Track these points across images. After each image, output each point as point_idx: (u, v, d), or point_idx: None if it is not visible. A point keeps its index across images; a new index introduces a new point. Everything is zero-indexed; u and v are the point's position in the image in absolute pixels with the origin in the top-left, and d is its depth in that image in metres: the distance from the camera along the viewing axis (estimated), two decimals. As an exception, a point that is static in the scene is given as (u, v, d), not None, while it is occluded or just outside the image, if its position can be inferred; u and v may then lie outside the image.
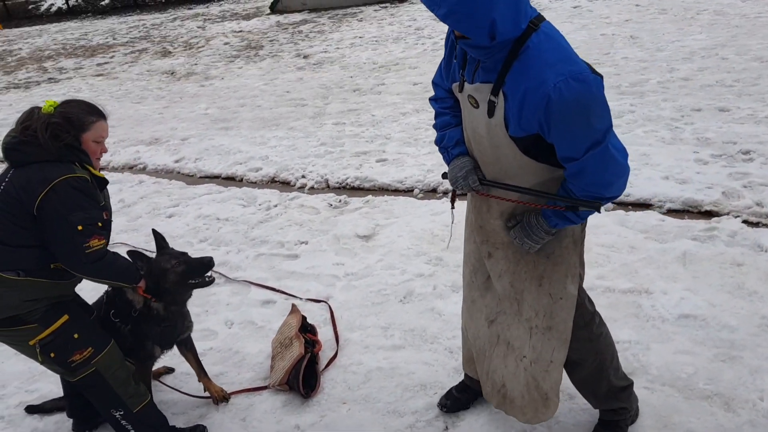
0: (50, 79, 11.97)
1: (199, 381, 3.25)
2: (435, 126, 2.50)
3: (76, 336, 2.64)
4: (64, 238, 2.47)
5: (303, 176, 5.91)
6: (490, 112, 2.07)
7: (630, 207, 4.60)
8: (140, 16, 18.23)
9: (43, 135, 2.48)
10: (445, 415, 2.93)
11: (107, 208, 2.67)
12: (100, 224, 2.53)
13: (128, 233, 5.24)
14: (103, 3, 20.65)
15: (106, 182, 2.70)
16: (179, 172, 6.52)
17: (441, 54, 9.84)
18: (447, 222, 4.62)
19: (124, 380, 2.77)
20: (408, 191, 5.38)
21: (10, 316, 2.51)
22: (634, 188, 4.75)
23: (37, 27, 19.09)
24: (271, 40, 12.26)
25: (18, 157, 2.50)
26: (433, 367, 3.24)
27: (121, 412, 2.78)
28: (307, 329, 3.50)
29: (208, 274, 2.93)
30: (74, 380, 2.71)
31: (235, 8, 16.93)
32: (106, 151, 2.74)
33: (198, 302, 4.10)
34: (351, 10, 14.12)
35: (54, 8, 21.38)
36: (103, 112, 2.69)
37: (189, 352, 3.21)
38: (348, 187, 5.62)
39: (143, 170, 6.73)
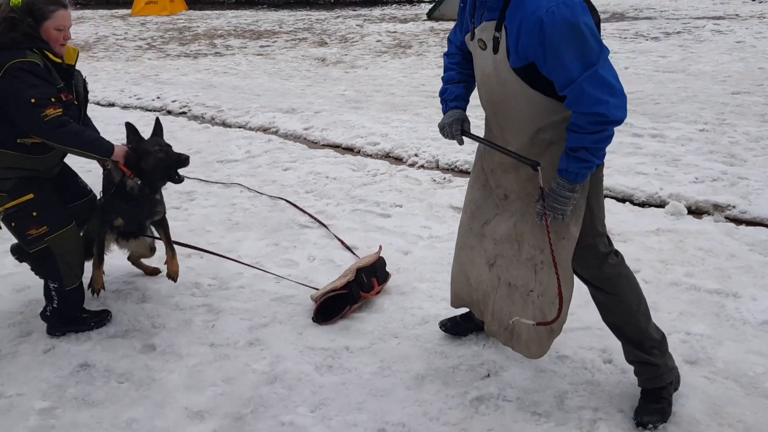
0: (216, 53, 13.08)
1: (165, 262, 3.56)
2: (442, 78, 2.68)
3: (34, 214, 3.05)
4: (22, 112, 2.87)
5: (416, 155, 6.07)
6: (495, 48, 2.25)
7: (744, 224, 4.31)
8: (308, 11, 19.41)
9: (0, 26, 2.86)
10: (489, 362, 2.94)
11: (66, 91, 3.03)
12: (53, 99, 2.89)
13: (246, 177, 5.67)
14: (278, -2, 22.23)
15: (69, 68, 3.08)
16: (305, 138, 6.92)
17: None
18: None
19: (70, 263, 3.17)
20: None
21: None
22: (753, 206, 4.45)
23: (217, 11, 20.90)
24: (420, 42, 12.61)
25: None
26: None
27: (56, 285, 3.21)
28: (375, 273, 3.61)
29: (180, 175, 3.30)
30: (29, 251, 3.15)
31: (395, 13, 17.56)
32: (69, 37, 3.06)
33: (289, 239, 4.37)
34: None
35: (235, -2, 23.34)
36: (64, 2, 3.00)
37: (162, 230, 3.56)
38: (456, 169, 5.70)
39: (275, 133, 7.20)
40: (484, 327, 2.90)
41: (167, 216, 3.60)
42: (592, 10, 2.18)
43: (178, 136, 7.22)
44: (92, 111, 8.85)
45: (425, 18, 15.70)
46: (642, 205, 4.67)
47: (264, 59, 11.88)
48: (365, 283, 3.50)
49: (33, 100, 2.85)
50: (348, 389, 2.85)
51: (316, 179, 5.52)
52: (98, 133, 3.24)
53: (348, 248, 4.15)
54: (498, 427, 2.59)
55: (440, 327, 3.18)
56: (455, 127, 2.54)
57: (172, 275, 3.57)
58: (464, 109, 2.64)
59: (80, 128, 3.02)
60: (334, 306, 3.38)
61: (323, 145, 6.67)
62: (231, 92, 9.31)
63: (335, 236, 4.32)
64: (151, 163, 3.22)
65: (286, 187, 5.37)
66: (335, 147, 6.57)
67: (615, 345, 2.99)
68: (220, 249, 4.26)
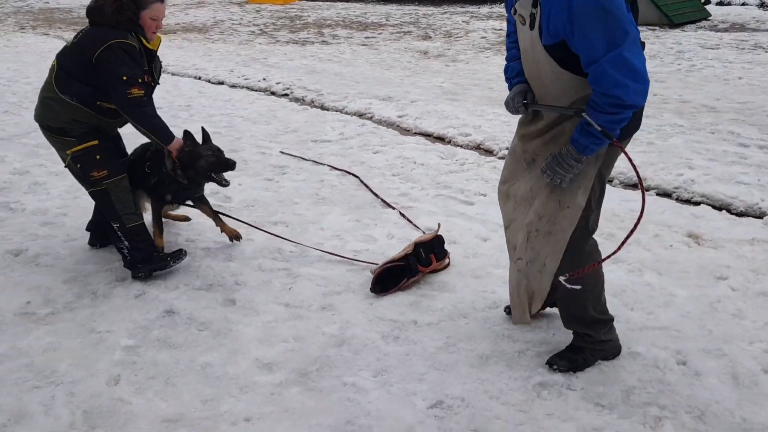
0: (323, 41, 13.41)
1: (216, 225, 4.01)
2: (506, 58, 2.77)
3: (98, 157, 3.51)
4: (113, 85, 3.33)
5: (507, 148, 6.01)
6: (532, 25, 2.32)
7: None
8: (416, 6, 19.50)
9: (110, 7, 3.31)
10: (553, 353, 2.90)
11: (150, 74, 3.48)
12: (140, 80, 3.35)
13: (337, 157, 5.81)
14: (388, -8, 22.50)
15: (154, 53, 3.52)
16: (398, 125, 7.00)
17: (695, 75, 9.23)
18: (634, 208, 4.44)
19: (124, 203, 3.59)
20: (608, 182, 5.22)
21: (60, 127, 3.46)
22: None
23: (328, 3, 21.39)
24: (526, 41, 12.44)
25: (93, 18, 3.39)
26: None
27: (117, 225, 3.61)
28: (433, 249, 3.63)
29: (226, 177, 3.80)
30: (89, 191, 3.63)
31: (503, 11, 17.36)
32: (161, 27, 3.49)
33: (371, 216, 4.46)
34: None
35: (347, -9, 23.81)
36: None
37: (204, 205, 4.03)
38: (547, 165, 5.60)
39: (369, 118, 7.33)
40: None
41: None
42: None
43: (278, 115, 7.50)
44: (202, 87, 9.32)
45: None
46: (740, 214, 4.43)
47: (367, 49, 12.07)
48: (423, 257, 3.56)
49: (125, 78, 3.30)
50: (411, 360, 2.90)
51: (403, 163, 5.59)
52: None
53: (416, 226, 4.21)
54: (559, 412, 2.57)
55: (505, 311, 3.23)
56: (517, 100, 2.57)
57: (232, 236, 3.99)
58: (526, 82, 2.62)
59: (154, 113, 3.51)
60: (391, 279, 3.44)
61: (415, 132, 6.73)
62: (332, 78, 9.54)
63: (401, 214, 4.39)
64: (203, 165, 3.69)
65: (373, 168, 5.47)
66: (427, 135, 6.61)
67: (691, 347, 2.90)
68: (304, 220, 4.43)
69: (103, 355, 2.97)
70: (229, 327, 3.17)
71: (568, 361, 2.78)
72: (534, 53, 2.39)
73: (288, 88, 8.87)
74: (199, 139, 3.79)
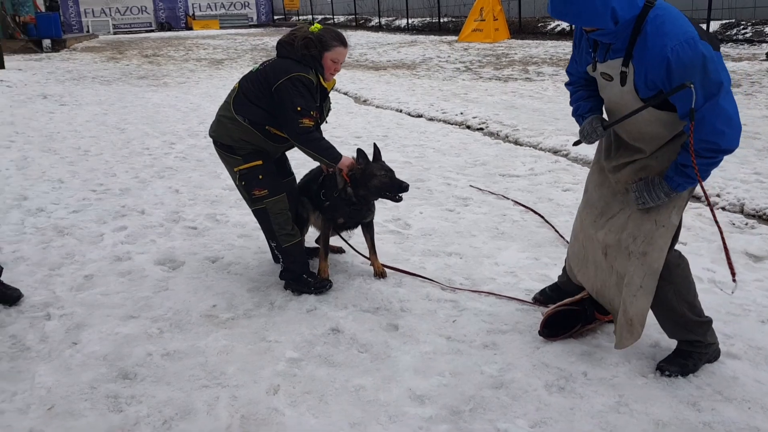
0: (527, 78, 13.25)
1: (369, 257, 4.03)
2: (570, 102, 3.00)
3: (260, 177, 3.70)
4: (287, 114, 3.53)
5: (718, 195, 5.38)
6: (623, 81, 2.57)
7: None
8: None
9: (298, 43, 3.55)
10: (752, 429, 2.46)
11: (320, 111, 3.68)
12: (312, 113, 3.55)
13: (523, 192, 5.63)
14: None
15: (326, 93, 3.73)
16: (595, 164, 6.61)
17: None
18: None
19: (281, 223, 3.75)
20: None
21: (230, 145, 3.70)
22: None
23: (537, 41, 21.18)
24: (752, 82, 11.17)
25: (281, 50, 3.64)
26: (764, 387, 2.73)
27: (274, 245, 3.82)
28: None
29: (399, 195, 3.76)
30: (251, 208, 3.83)
31: (730, 52, 15.84)
32: (338, 70, 3.67)
33: (551, 255, 4.20)
34: None
35: (559, 29, 23.34)
36: (346, 42, 3.65)
37: (368, 233, 4.02)
38: (765, 217, 4.91)
39: (565, 155, 7.02)
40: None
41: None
42: (711, 39, 2.39)
43: (470, 148, 7.48)
44: (401, 120, 9.63)
45: (764, 58, 13.90)
46: None
47: (572, 87, 11.70)
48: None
49: (299, 108, 3.51)
50: (575, 415, 2.63)
51: (595, 204, 5.23)
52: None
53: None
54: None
55: (533, 300, 3.52)
56: (595, 123, 2.77)
57: (379, 273, 3.98)
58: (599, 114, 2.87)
59: (320, 137, 3.68)
60: (563, 323, 3.17)
61: (613, 173, 6.30)
62: (530, 114, 9.34)
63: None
64: (375, 184, 3.73)
65: (560, 206, 5.20)
66: (626, 177, 6.15)
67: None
68: (479, 253, 4.30)
69: (268, 363, 3.09)
70: (388, 352, 3.14)
71: (679, 366, 2.84)
72: (627, 105, 2.60)
73: (483, 123, 8.83)
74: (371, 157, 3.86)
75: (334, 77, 3.79)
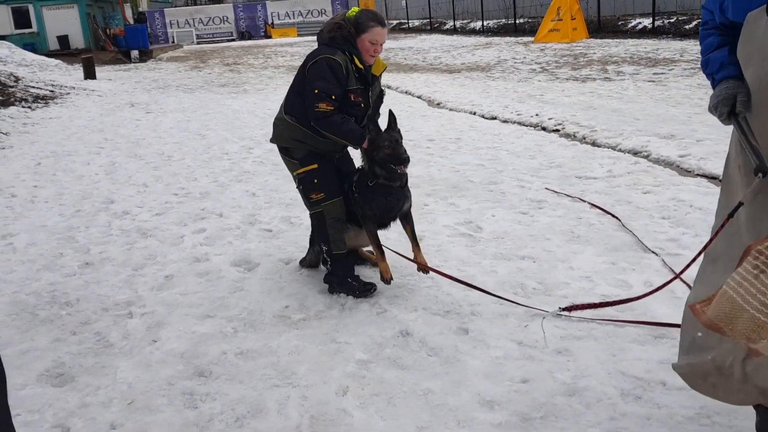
0: (606, 78, 12.86)
1: (412, 250, 3.78)
2: (701, 51, 2.28)
3: (315, 181, 3.69)
4: (306, 95, 3.53)
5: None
6: None
7: None
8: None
9: (327, 28, 3.56)
10: None
11: (358, 93, 3.56)
12: (333, 96, 3.45)
13: (600, 195, 5.47)
14: (686, 27, 20.82)
15: (374, 77, 3.63)
16: (678, 165, 6.35)
17: None
18: None
19: (336, 228, 3.75)
20: None
21: (286, 147, 3.75)
22: None
23: (617, 40, 20.55)
24: None
25: (318, 38, 3.67)
26: None
27: (326, 248, 3.81)
28: None
29: (399, 168, 3.50)
30: (309, 212, 3.85)
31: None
32: (379, 51, 3.56)
33: (629, 260, 4.06)
34: None
35: (639, 27, 22.56)
36: (384, 22, 3.56)
37: (408, 225, 3.80)
38: None
39: (645, 157, 6.77)
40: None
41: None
42: None
43: (545, 149, 7.33)
44: (474, 122, 9.57)
45: None
46: None
47: (654, 85, 11.25)
48: None
49: (316, 91, 3.47)
50: (652, 426, 2.52)
51: (677, 206, 5.01)
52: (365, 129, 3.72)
53: (677, 275, 3.66)
54: None
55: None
56: (721, 109, 2.11)
57: (422, 267, 3.76)
58: (737, 78, 2.12)
59: (341, 121, 3.54)
60: None
61: (697, 174, 6.02)
62: (609, 114, 9.06)
63: (664, 262, 3.86)
64: (381, 156, 3.54)
65: (640, 209, 5.00)
66: (712, 178, 5.86)
67: None
68: (553, 257, 4.20)
69: (338, 364, 3.11)
70: (457, 356, 3.11)
71: None
72: None
73: (560, 124, 8.64)
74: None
75: (383, 61, 3.73)
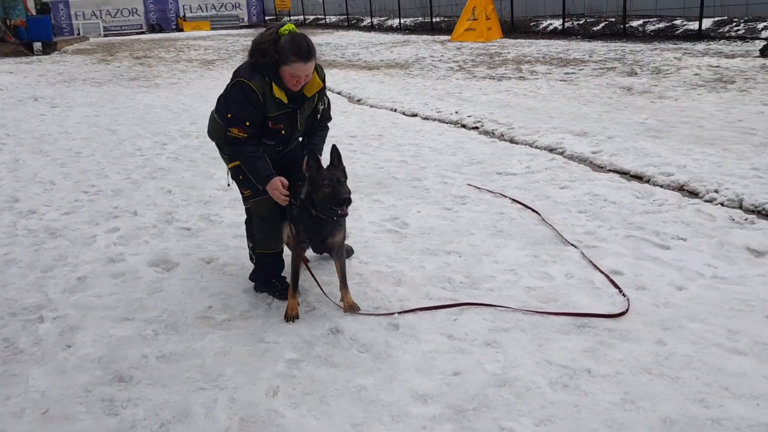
0: (520, 77, 13.22)
1: (340, 289, 3.54)
2: None
3: (241, 177, 3.54)
4: (220, 118, 3.48)
5: (716, 191, 5.35)
6: None
7: None
8: (624, 43, 18.56)
9: (253, 48, 3.32)
10: (763, 426, 2.42)
11: (279, 120, 3.39)
12: (247, 123, 3.32)
13: (520, 190, 5.59)
14: (594, 29, 21.73)
15: (299, 98, 3.40)
16: (591, 162, 6.59)
17: None
18: None
19: (261, 227, 3.60)
20: None
21: (217, 142, 3.66)
22: None
23: (530, 40, 21.16)
24: (746, 79, 11.20)
25: (248, 52, 3.41)
26: (770, 383, 2.70)
27: (251, 245, 3.76)
28: None
29: (340, 210, 3.24)
30: (245, 207, 3.71)
31: (722, 48, 15.88)
32: (302, 83, 3.31)
33: (550, 253, 4.17)
34: None
35: (551, 28, 23.34)
36: (307, 56, 3.22)
37: (338, 261, 3.55)
38: (764, 212, 4.89)
39: (560, 153, 6.99)
40: None
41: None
42: None
43: (466, 146, 7.44)
44: (396, 119, 9.60)
45: (757, 54, 13.93)
46: None
47: (566, 84, 11.66)
48: None
49: (229, 116, 3.38)
50: (580, 413, 2.59)
51: (592, 200, 5.20)
52: (321, 146, 3.67)
53: (596, 267, 3.81)
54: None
55: None
56: None
57: (348, 309, 3.48)
58: None
59: (250, 153, 3.39)
60: None
61: (609, 169, 6.27)
62: (525, 112, 9.31)
63: (583, 254, 4.00)
64: (319, 195, 3.28)
65: (558, 204, 5.16)
66: (622, 173, 6.12)
67: None
68: (478, 251, 4.26)
69: (267, 365, 3.03)
70: (389, 352, 3.09)
71: None
72: None
73: (479, 121, 8.79)
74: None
75: (318, 81, 3.47)
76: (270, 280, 3.76)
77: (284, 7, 44.49)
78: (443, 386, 2.80)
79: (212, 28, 40.37)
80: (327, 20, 40.45)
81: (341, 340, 3.23)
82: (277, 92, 3.35)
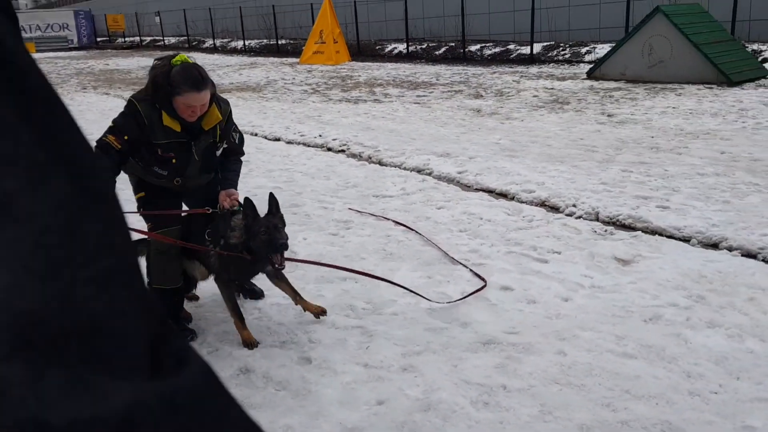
0: (375, 99, 13.57)
1: (297, 304, 3.62)
2: None
3: (142, 209, 3.52)
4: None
5: (574, 205, 5.84)
6: None
7: None
8: (465, 67, 19.71)
9: (150, 79, 3.31)
10: (664, 423, 2.67)
11: (171, 150, 3.36)
12: (125, 137, 3.29)
13: (400, 212, 5.73)
14: (437, 53, 22.86)
15: (194, 128, 3.37)
16: (459, 181, 6.91)
17: (763, 133, 8.94)
18: (720, 269, 4.20)
19: (157, 261, 3.50)
20: (684, 240, 4.99)
21: (131, 175, 3.56)
22: None
23: (378, 63, 21.81)
24: (579, 99, 12.35)
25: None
26: (663, 381, 2.98)
27: (149, 280, 3.50)
28: None
29: (277, 261, 3.29)
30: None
31: (554, 72, 17.41)
32: (197, 113, 3.30)
33: (443, 273, 4.31)
34: (672, 86, 13.61)
35: (396, 51, 24.23)
36: (199, 85, 3.22)
37: (282, 282, 3.63)
38: (618, 223, 5.41)
39: (429, 174, 7.26)
40: None
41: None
42: None
43: (338, 170, 7.51)
44: (259, 143, 9.43)
45: (584, 77, 15.42)
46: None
47: (420, 107, 12.16)
48: None
49: (112, 124, 3.35)
50: (505, 428, 2.70)
51: (470, 219, 5.46)
52: (235, 180, 3.64)
53: (483, 281, 4.04)
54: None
55: None
56: None
57: (317, 313, 3.61)
58: None
59: (109, 168, 3.24)
60: None
61: (477, 188, 6.62)
62: (388, 135, 9.57)
63: (474, 272, 4.22)
64: (256, 243, 3.31)
65: (439, 224, 5.36)
66: (489, 191, 6.49)
67: None
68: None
69: (179, 414, 2.85)
70: (307, 387, 3.03)
71: None
72: None
73: (345, 145, 8.91)
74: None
75: (217, 113, 3.42)
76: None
77: (118, 27, 42.33)
78: (371, 417, 2.79)
79: (38, 51, 37.35)
80: (166, 41, 38.98)
81: (254, 379, 3.13)
82: (167, 121, 3.32)
